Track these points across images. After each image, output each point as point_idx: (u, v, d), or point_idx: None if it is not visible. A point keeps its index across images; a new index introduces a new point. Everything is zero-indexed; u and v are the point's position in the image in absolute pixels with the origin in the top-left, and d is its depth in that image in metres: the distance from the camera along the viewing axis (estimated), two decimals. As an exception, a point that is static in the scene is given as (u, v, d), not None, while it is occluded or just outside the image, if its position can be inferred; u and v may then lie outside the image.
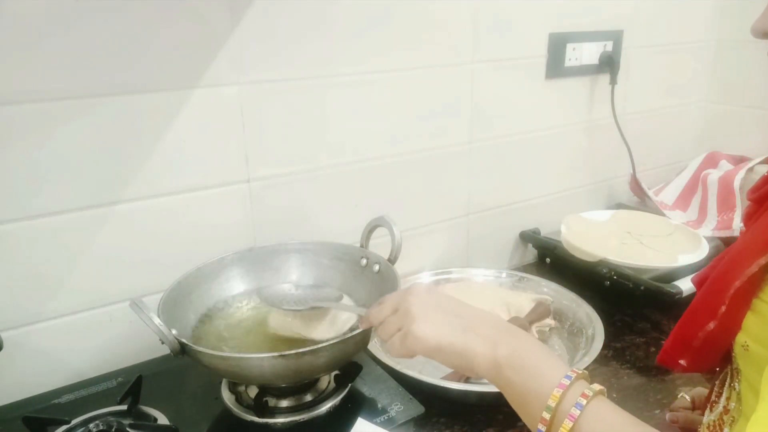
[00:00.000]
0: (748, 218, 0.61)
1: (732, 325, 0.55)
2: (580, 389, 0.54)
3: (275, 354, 0.68)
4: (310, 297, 0.84)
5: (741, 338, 0.55)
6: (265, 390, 0.80)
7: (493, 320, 0.62)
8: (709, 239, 1.22)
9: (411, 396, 0.83)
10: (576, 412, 0.52)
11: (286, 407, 0.80)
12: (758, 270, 0.52)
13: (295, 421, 0.78)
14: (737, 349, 0.56)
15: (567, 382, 0.54)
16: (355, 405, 0.81)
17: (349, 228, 0.97)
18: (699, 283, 0.62)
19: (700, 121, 1.55)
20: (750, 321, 0.54)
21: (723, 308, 0.55)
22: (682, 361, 0.62)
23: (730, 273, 0.55)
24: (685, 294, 1.01)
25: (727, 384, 0.60)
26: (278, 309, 0.82)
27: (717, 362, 0.61)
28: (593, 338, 0.94)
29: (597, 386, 0.55)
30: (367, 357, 0.89)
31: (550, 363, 0.57)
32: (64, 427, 0.76)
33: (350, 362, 0.82)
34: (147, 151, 0.86)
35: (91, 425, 0.75)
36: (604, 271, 1.11)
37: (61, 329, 0.86)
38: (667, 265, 1.12)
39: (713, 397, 0.63)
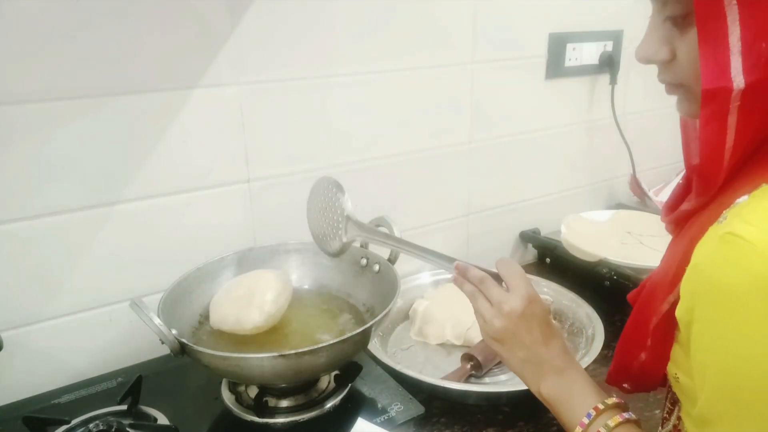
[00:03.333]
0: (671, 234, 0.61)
1: (661, 355, 0.57)
2: (597, 427, 0.59)
3: (275, 354, 0.68)
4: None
5: (672, 369, 0.56)
6: (265, 390, 0.80)
7: (551, 355, 0.65)
8: (709, 239, 1.22)
9: (411, 396, 0.83)
10: None
11: (286, 407, 0.80)
12: (670, 307, 0.53)
13: (295, 421, 0.78)
14: (671, 380, 0.57)
15: (586, 420, 0.60)
16: (355, 405, 0.82)
17: (349, 228, 0.97)
18: (633, 302, 0.63)
19: (700, 121, 1.54)
20: (677, 353, 0.55)
21: (649, 341, 0.57)
22: (625, 385, 0.65)
23: (648, 307, 0.57)
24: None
25: (676, 408, 0.60)
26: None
27: (658, 384, 0.62)
28: (593, 338, 0.94)
29: (617, 419, 0.59)
30: (367, 357, 0.89)
31: (581, 400, 0.62)
32: (64, 427, 0.76)
33: (350, 362, 0.82)
34: (147, 151, 0.86)
35: (91, 425, 0.75)
36: (604, 271, 1.11)
37: (61, 329, 0.86)
38: (667, 265, 1.12)
39: (665, 414, 0.63)
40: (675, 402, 0.60)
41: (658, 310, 0.55)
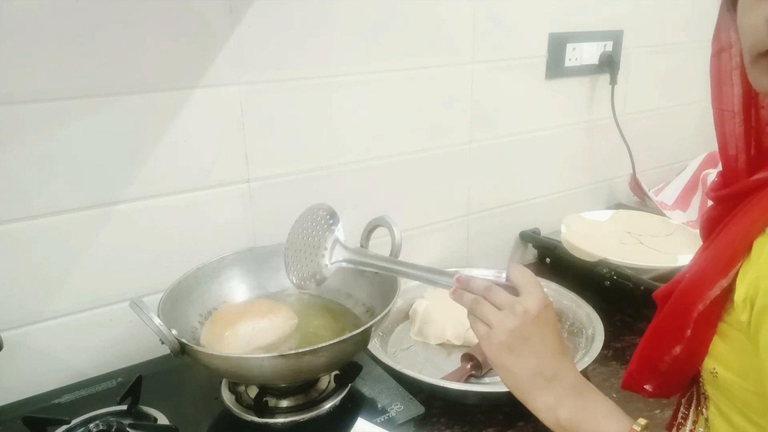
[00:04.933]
0: (712, 223, 0.58)
1: (699, 349, 0.53)
2: None
3: (275, 354, 0.69)
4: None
5: (709, 364, 0.53)
6: (265, 390, 0.80)
7: (566, 370, 0.59)
8: (709, 239, 1.22)
9: (411, 396, 0.83)
10: None
11: (286, 407, 0.80)
12: (721, 292, 0.50)
13: (295, 421, 0.78)
14: (705, 375, 0.54)
15: None
16: (355, 405, 0.82)
17: (349, 228, 0.96)
18: (662, 299, 0.59)
19: (700, 121, 1.55)
20: (718, 346, 0.52)
21: (689, 332, 0.53)
22: (647, 387, 0.60)
23: (694, 293, 0.53)
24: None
25: (693, 407, 0.58)
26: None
27: (684, 387, 0.59)
28: (593, 338, 0.94)
29: None
30: (367, 357, 0.89)
31: (610, 424, 0.56)
32: (64, 427, 0.76)
33: (350, 362, 0.82)
34: (147, 151, 0.86)
35: (91, 425, 0.75)
36: (604, 271, 1.11)
37: (61, 329, 0.86)
38: (667, 265, 1.12)
39: (679, 419, 0.61)
40: (690, 403, 0.58)
41: (706, 296, 0.51)
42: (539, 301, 0.58)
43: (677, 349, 0.55)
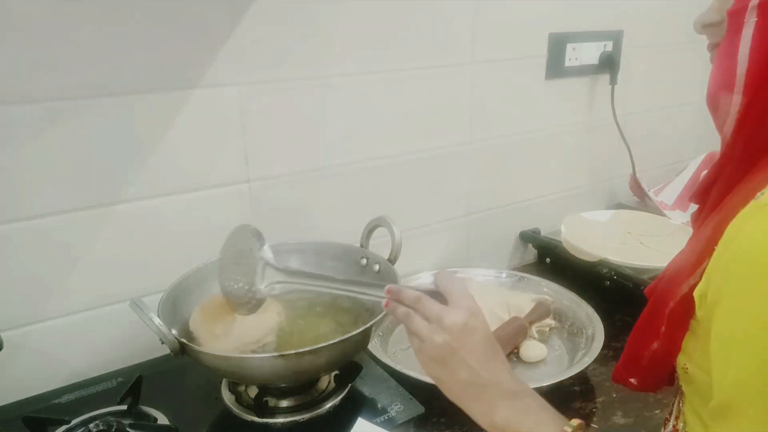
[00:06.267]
0: (694, 222, 0.61)
1: (673, 345, 0.55)
2: None
3: (275, 354, 0.69)
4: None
5: (681, 360, 0.55)
6: (265, 390, 0.80)
7: (498, 377, 0.60)
8: (709, 239, 1.22)
9: (411, 396, 0.83)
10: None
11: (286, 407, 0.80)
12: (689, 290, 0.51)
13: (295, 421, 0.78)
14: (679, 371, 0.56)
15: None
16: (355, 405, 0.82)
17: (349, 228, 0.96)
18: (649, 296, 0.60)
19: (700, 121, 1.54)
20: (689, 342, 0.53)
21: (663, 328, 0.55)
22: (632, 380, 0.62)
23: (668, 291, 0.55)
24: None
25: (677, 402, 0.59)
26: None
27: (665, 382, 0.60)
28: (593, 338, 0.94)
29: None
30: (367, 357, 0.89)
31: (543, 426, 0.57)
32: (64, 427, 0.76)
33: (350, 362, 0.82)
34: (147, 151, 0.86)
35: (91, 425, 0.75)
36: (604, 271, 1.11)
37: (61, 329, 0.86)
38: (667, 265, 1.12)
39: (667, 415, 0.62)
40: (676, 397, 0.59)
41: (677, 293, 0.53)
42: (465, 312, 0.58)
43: (654, 345, 0.57)
